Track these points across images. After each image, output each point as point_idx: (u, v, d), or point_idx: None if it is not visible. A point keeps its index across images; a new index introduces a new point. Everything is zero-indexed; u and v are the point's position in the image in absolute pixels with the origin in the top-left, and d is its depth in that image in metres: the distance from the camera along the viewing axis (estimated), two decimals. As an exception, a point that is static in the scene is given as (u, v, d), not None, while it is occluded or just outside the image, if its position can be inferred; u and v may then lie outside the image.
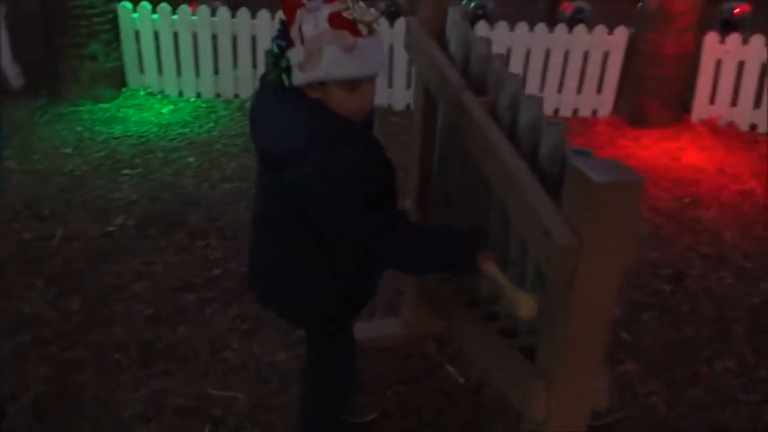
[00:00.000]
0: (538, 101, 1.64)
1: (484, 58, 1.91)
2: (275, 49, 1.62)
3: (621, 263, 1.37)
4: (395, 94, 5.68)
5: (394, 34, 5.51)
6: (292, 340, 2.76)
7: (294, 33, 1.56)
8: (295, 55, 1.57)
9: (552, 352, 1.51)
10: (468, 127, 1.79)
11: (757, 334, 2.93)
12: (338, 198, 1.61)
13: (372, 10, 1.61)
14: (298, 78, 1.58)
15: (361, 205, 1.62)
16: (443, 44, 2.13)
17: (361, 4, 1.59)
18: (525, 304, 1.58)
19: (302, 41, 1.54)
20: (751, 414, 2.51)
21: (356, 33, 1.54)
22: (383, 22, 5.55)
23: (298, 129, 1.60)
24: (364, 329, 2.69)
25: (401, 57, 5.57)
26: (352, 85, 1.58)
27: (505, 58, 1.87)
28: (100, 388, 2.53)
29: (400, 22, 5.55)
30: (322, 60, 1.53)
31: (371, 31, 1.57)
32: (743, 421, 2.48)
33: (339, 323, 1.97)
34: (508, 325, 1.85)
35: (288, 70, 1.60)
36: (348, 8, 1.55)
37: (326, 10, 1.53)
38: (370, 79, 1.61)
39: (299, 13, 1.55)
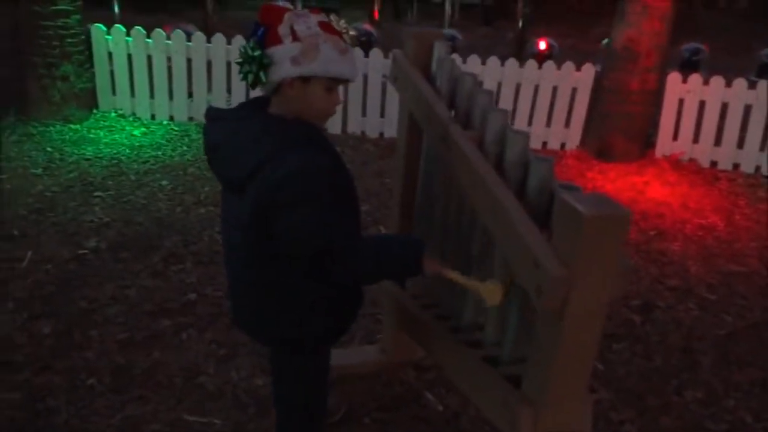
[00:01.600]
0: (525, 136, 1.71)
1: (470, 92, 1.97)
2: (251, 47, 1.65)
3: (608, 293, 1.42)
4: (369, 122, 5.75)
5: (368, 63, 5.61)
6: (269, 365, 2.75)
7: (283, 31, 1.63)
8: (285, 50, 1.63)
9: (540, 379, 1.55)
10: (455, 160, 1.85)
11: (724, 365, 3.02)
12: (316, 198, 1.61)
13: (351, 30, 1.78)
14: (288, 71, 1.63)
15: (337, 209, 1.65)
16: (429, 77, 2.19)
17: (343, 24, 1.75)
18: (490, 294, 1.68)
19: (294, 38, 1.63)
20: (718, 443, 2.59)
21: (344, 41, 1.69)
22: (359, 51, 5.64)
23: (268, 139, 1.64)
24: (342, 356, 2.71)
25: (375, 86, 5.67)
26: (331, 85, 1.70)
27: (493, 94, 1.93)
28: (73, 415, 2.48)
29: (375, 53, 5.66)
30: (319, 56, 1.63)
31: (352, 44, 1.74)
32: (712, 449, 2.55)
33: (324, 343, 1.98)
34: (492, 352, 1.89)
35: (266, 67, 1.64)
36: (332, 21, 1.71)
37: (315, 18, 1.67)
38: (339, 85, 1.73)
39: (288, 15, 1.65)
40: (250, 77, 1.66)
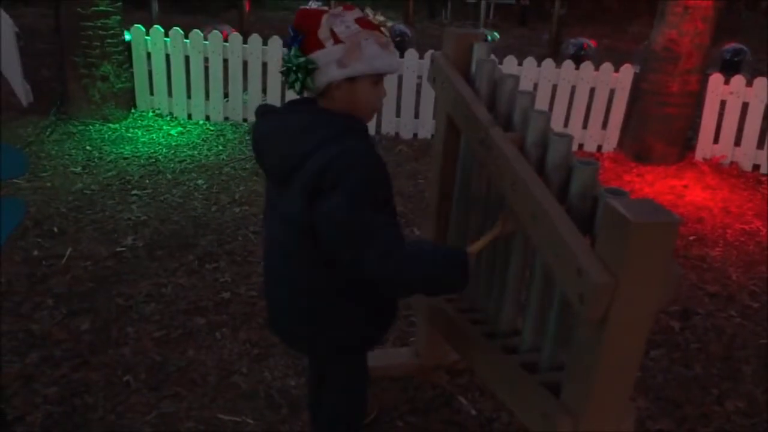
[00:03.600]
0: (568, 139, 1.67)
1: (511, 94, 1.94)
2: (294, 55, 1.64)
3: (654, 303, 1.38)
4: (403, 123, 5.73)
5: (403, 64, 5.59)
6: (302, 366, 2.76)
7: (323, 35, 1.62)
8: (328, 53, 1.62)
9: (580, 388, 1.51)
10: (495, 162, 1.82)
11: (766, 375, 2.94)
12: (352, 182, 1.56)
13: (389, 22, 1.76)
14: (334, 74, 1.62)
15: (379, 207, 1.61)
16: (468, 79, 2.16)
17: (381, 17, 1.73)
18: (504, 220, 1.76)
19: (336, 41, 1.62)
20: (761, 456, 2.52)
21: (384, 34, 1.68)
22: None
23: (317, 129, 1.64)
24: (375, 358, 2.68)
25: (410, 87, 5.64)
26: (377, 80, 1.70)
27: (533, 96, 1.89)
28: (109, 411, 2.51)
29: (410, 53, 5.64)
30: (364, 54, 1.62)
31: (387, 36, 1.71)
32: (754, 462, 2.48)
33: (364, 349, 1.98)
34: (529, 358, 1.86)
35: (311, 72, 1.63)
36: (368, 15, 1.70)
37: (351, 15, 1.66)
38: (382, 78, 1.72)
39: (325, 18, 1.64)
40: (298, 85, 1.65)
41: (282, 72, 1.68)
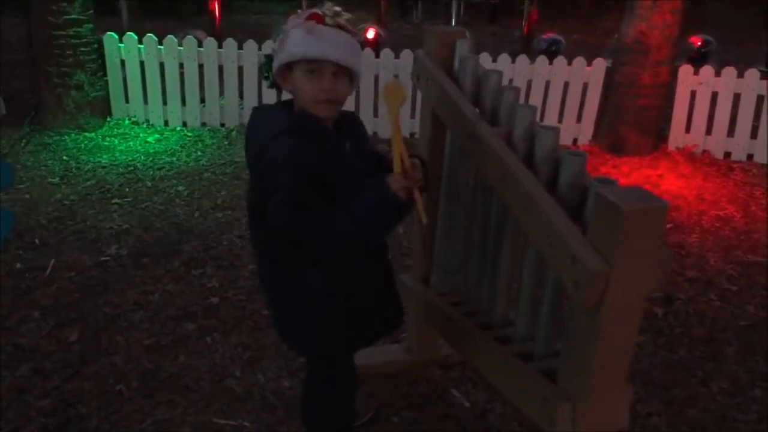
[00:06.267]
0: (556, 131, 1.71)
1: (496, 89, 1.98)
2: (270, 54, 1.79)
3: (646, 287, 1.43)
4: (381, 123, 5.76)
5: (379, 64, 5.62)
6: (295, 366, 2.77)
7: (282, 34, 1.75)
8: (273, 48, 1.78)
9: (577, 374, 1.56)
10: (484, 157, 1.86)
11: (749, 356, 3.02)
12: (282, 181, 1.66)
13: (346, 15, 1.77)
14: (274, 64, 1.75)
15: (302, 195, 1.67)
16: (452, 76, 2.20)
17: (337, 9, 1.76)
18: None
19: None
20: (748, 433, 2.59)
21: (321, 21, 1.70)
22: (370, 53, 5.65)
23: (269, 128, 1.73)
24: (367, 356, 2.70)
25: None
26: (311, 67, 1.70)
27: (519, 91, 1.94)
28: (104, 420, 2.50)
29: (385, 53, 5.67)
30: (288, 42, 1.71)
31: (339, 26, 1.72)
32: (741, 440, 2.55)
33: (343, 351, 2.00)
34: (524, 347, 1.90)
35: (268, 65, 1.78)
36: (321, 9, 1.75)
37: (306, 13, 1.74)
38: (330, 68, 1.71)
39: (290, 18, 1.76)
40: (268, 78, 1.81)
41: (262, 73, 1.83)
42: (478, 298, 2.20)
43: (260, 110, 1.88)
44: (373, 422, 2.51)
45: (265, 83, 1.88)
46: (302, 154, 1.66)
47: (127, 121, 5.71)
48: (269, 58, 1.75)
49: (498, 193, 1.83)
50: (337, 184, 1.73)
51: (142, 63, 5.62)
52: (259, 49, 5.55)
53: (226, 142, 5.46)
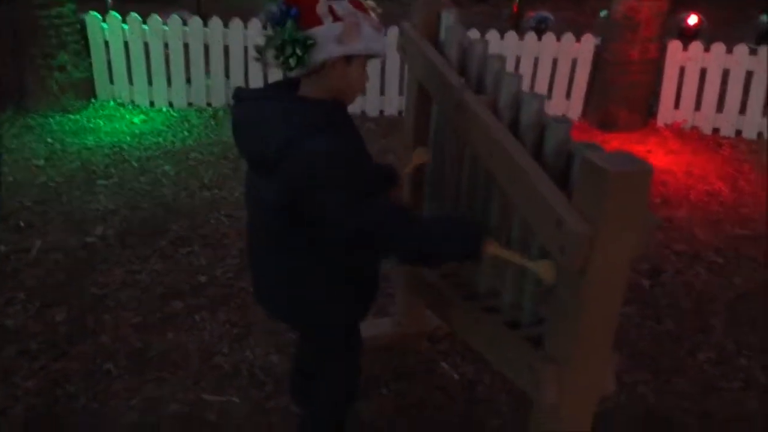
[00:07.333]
0: (540, 98, 1.70)
1: (481, 58, 1.96)
2: (292, 29, 1.60)
3: (632, 251, 1.42)
4: (369, 100, 5.73)
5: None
6: (283, 342, 2.77)
7: (322, 11, 1.60)
8: (327, 30, 1.61)
9: (563, 339, 1.55)
10: (470, 126, 1.84)
11: (735, 326, 3.04)
12: (336, 179, 1.62)
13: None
14: (333, 51, 1.62)
15: (359, 187, 1.65)
16: (438, 47, 2.18)
17: None
18: (546, 271, 1.62)
19: (335, 18, 1.61)
20: (734, 401, 2.61)
21: (362, 9, 1.67)
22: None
23: (292, 119, 1.64)
24: (357, 330, 2.72)
25: (374, 64, 5.63)
26: (366, 62, 1.72)
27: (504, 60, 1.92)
28: (91, 399, 2.49)
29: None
30: (362, 34, 1.63)
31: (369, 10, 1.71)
32: (727, 407, 2.57)
33: (354, 323, 2.02)
34: (511, 316, 1.90)
35: (309, 48, 1.61)
36: None
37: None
38: None
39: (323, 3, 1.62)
40: (293, 60, 1.61)
41: (276, 47, 1.63)
42: (466, 269, 2.19)
43: (262, 99, 1.74)
44: (362, 393, 2.50)
45: (256, 63, 1.72)
46: (349, 147, 1.66)
47: (112, 103, 5.64)
48: (305, 38, 1.60)
49: (484, 162, 1.81)
50: (368, 170, 1.78)
51: (126, 44, 5.54)
52: (245, 27, 5.49)
53: (212, 122, 5.41)
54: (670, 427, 2.47)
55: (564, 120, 1.59)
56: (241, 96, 1.77)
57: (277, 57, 1.65)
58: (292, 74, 1.69)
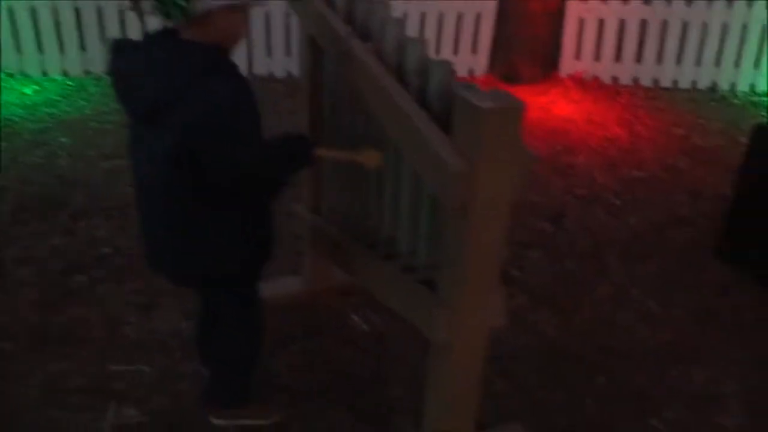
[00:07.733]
0: (422, 42, 1.71)
1: (367, 6, 1.95)
2: None
3: (510, 185, 1.47)
4: (275, 62, 5.62)
5: (269, 2, 5.43)
6: (191, 309, 2.72)
7: None
8: None
9: (451, 277, 1.60)
10: (357, 73, 1.84)
11: (629, 263, 3.21)
12: (241, 119, 1.65)
13: None
14: (218, 1, 1.62)
15: (254, 130, 1.70)
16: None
17: None
18: (368, 158, 1.87)
19: None
20: (628, 334, 2.77)
21: None
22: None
23: (185, 62, 1.61)
24: (265, 288, 2.69)
25: (278, 25, 5.52)
26: (249, 10, 1.73)
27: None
28: (-11, 380, 2.39)
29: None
30: None
31: None
32: (623, 340, 2.72)
33: (254, 272, 2.02)
34: (408, 261, 1.93)
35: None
36: None
37: None
38: None
39: None
40: (177, 11, 1.59)
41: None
42: (366, 219, 2.21)
43: (146, 47, 1.69)
44: (272, 352, 2.50)
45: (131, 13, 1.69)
46: (249, 88, 1.67)
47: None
48: None
49: (372, 111, 1.82)
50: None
51: (11, 10, 5.19)
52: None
53: (111, 90, 5.16)
54: (572, 361, 2.60)
55: (445, 61, 1.61)
56: (122, 46, 1.71)
57: (158, 5, 1.61)
58: (174, 23, 1.64)
